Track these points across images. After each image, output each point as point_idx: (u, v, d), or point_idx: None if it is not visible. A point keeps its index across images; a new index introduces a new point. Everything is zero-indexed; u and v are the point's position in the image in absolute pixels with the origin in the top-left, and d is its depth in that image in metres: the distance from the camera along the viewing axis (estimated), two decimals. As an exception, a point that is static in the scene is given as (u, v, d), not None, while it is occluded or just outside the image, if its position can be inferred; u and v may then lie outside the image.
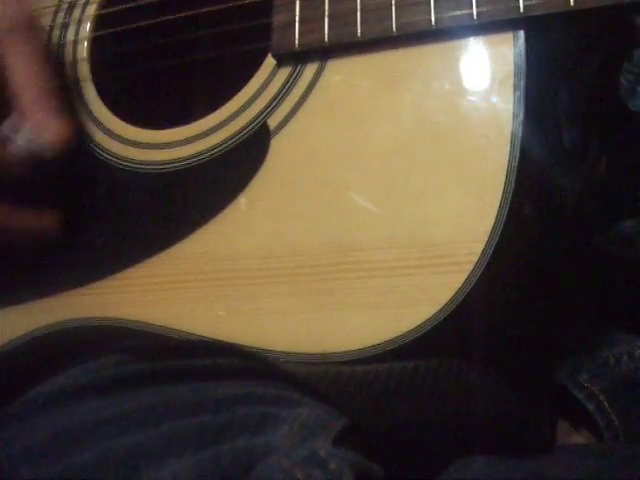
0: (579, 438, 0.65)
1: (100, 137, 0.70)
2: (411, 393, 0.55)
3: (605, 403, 0.63)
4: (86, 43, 0.73)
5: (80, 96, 0.72)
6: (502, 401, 0.57)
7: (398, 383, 0.54)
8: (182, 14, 0.70)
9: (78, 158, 0.69)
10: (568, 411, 0.65)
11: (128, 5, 0.72)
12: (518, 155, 0.54)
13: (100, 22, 0.73)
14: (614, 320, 0.69)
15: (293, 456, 0.45)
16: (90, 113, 0.71)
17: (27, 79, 0.63)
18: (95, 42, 0.73)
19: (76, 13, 0.74)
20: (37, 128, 0.62)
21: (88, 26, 0.73)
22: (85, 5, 0.74)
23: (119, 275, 0.65)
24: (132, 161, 0.68)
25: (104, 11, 0.73)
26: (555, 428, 0.64)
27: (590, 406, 0.63)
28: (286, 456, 0.45)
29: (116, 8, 0.73)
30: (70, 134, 0.64)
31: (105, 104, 0.71)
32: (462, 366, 0.56)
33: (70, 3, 0.75)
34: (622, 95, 0.64)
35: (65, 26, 0.74)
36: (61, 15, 0.75)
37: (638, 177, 0.69)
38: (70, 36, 0.74)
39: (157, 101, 0.69)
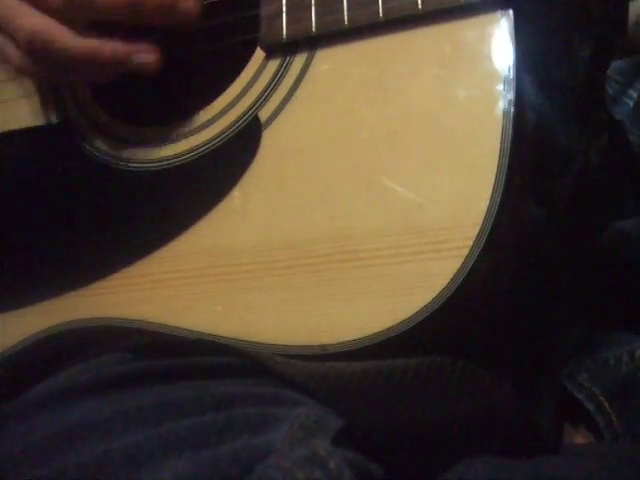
0: (579, 438, 0.64)
1: (93, 136, 0.70)
2: (412, 392, 0.54)
3: (605, 403, 0.62)
4: None
5: (73, 95, 0.72)
6: (503, 401, 0.57)
7: (399, 382, 0.54)
8: None
9: (72, 159, 0.69)
10: (568, 411, 0.64)
11: None
12: (510, 137, 0.53)
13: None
14: (614, 320, 0.68)
15: (293, 456, 0.44)
16: (83, 112, 0.71)
17: None
18: None
19: None
20: None
21: None
22: None
23: (117, 275, 0.65)
24: (125, 160, 0.68)
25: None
26: (560, 429, 0.63)
27: (590, 406, 0.62)
28: (286, 456, 0.44)
29: None
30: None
31: (97, 103, 0.71)
32: (462, 364, 0.55)
33: None
34: (608, 104, 0.63)
35: None
36: None
37: (638, 176, 0.69)
38: None
39: (147, 98, 0.68)
